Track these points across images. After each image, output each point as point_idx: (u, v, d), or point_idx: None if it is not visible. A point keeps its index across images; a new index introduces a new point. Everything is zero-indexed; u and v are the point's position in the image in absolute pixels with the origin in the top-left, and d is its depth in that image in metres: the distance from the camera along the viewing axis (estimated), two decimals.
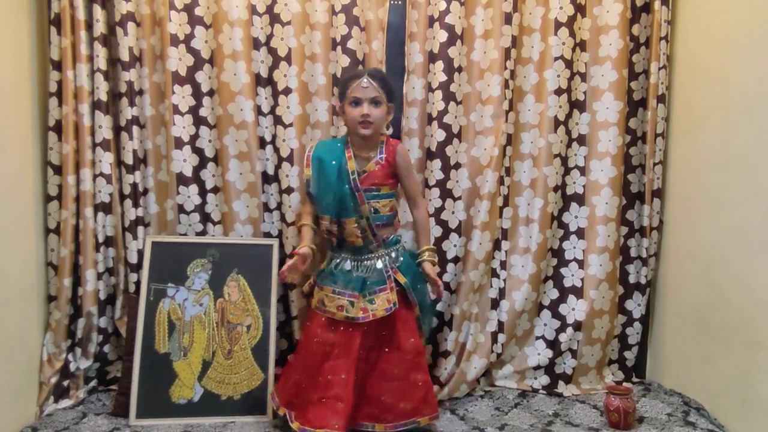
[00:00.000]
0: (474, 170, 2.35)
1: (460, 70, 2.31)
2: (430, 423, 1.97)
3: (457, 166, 2.34)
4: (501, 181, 2.36)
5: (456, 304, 2.35)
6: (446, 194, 2.33)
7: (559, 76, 2.32)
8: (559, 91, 2.33)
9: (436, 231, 2.32)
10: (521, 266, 2.41)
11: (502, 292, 2.41)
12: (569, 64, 2.34)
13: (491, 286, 2.40)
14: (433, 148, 2.29)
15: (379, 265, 1.97)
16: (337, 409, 1.83)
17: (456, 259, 2.35)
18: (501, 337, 2.39)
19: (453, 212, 2.34)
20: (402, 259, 2.03)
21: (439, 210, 2.32)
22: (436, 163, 2.30)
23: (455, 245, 2.34)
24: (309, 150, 2.05)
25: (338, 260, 2.00)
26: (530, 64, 2.35)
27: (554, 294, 2.44)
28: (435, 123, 2.29)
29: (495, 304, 2.40)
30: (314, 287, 2.05)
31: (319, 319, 1.96)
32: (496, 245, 2.40)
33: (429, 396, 1.96)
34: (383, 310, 1.90)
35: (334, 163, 1.96)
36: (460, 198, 2.34)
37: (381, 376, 1.93)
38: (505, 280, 2.42)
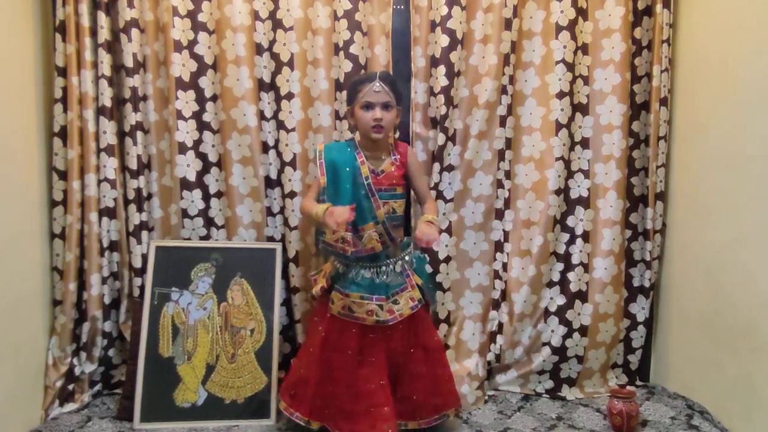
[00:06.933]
0: (467, 173, 2.35)
1: (458, 74, 2.32)
2: (456, 412, 2.02)
3: (449, 168, 2.34)
4: (501, 184, 2.37)
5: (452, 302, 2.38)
6: (438, 196, 2.33)
7: (560, 79, 2.32)
8: (561, 95, 2.33)
9: None
10: (521, 269, 2.40)
11: (503, 294, 2.41)
12: (571, 67, 2.34)
13: (494, 288, 2.40)
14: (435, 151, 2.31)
15: (398, 268, 1.96)
16: (384, 414, 1.85)
17: (447, 259, 2.36)
18: (500, 339, 2.40)
19: (444, 213, 2.34)
20: (414, 261, 2.03)
21: None
22: (436, 167, 2.32)
23: (446, 245, 2.35)
24: (319, 157, 1.98)
25: (356, 270, 1.93)
26: (531, 68, 2.36)
27: (561, 300, 2.40)
28: (438, 126, 2.30)
29: (496, 305, 2.41)
30: (326, 291, 1.99)
31: (349, 328, 1.91)
32: (498, 247, 2.40)
33: (452, 387, 2.02)
34: (409, 309, 1.91)
35: (348, 169, 1.93)
36: (451, 200, 2.35)
37: (411, 376, 1.95)
38: (506, 282, 2.42)
